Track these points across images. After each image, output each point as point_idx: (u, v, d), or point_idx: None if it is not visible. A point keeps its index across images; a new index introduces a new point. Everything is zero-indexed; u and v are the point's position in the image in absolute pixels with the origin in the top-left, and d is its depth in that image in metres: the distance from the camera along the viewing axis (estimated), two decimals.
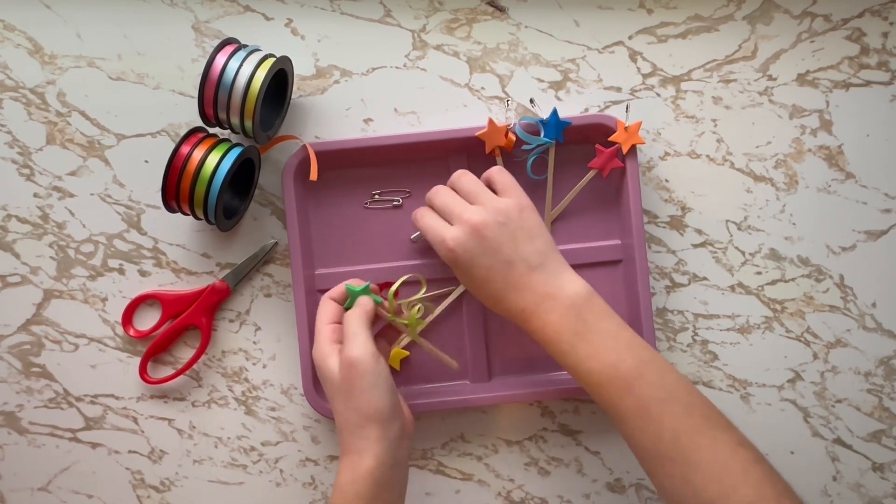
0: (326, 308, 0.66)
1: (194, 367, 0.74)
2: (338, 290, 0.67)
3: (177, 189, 0.67)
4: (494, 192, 0.66)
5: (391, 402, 0.61)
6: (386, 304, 0.68)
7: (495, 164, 0.72)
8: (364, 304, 0.65)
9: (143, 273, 0.74)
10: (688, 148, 0.74)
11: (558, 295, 0.62)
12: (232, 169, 0.67)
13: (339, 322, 0.65)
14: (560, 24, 0.74)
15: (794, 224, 0.74)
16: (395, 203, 0.74)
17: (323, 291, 0.73)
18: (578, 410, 0.75)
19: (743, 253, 0.74)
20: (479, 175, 0.67)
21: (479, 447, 0.75)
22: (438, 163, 0.73)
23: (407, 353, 0.73)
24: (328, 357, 0.63)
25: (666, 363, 0.61)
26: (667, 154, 0.74)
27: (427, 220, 0.66)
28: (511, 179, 0.66)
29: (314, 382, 0.71)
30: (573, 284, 0.62)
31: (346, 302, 0.66)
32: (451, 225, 0.64)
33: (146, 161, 0.74)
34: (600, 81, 0.74)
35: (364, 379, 0.60)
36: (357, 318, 0.63)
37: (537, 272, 0.62)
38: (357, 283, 0.67)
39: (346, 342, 0.62)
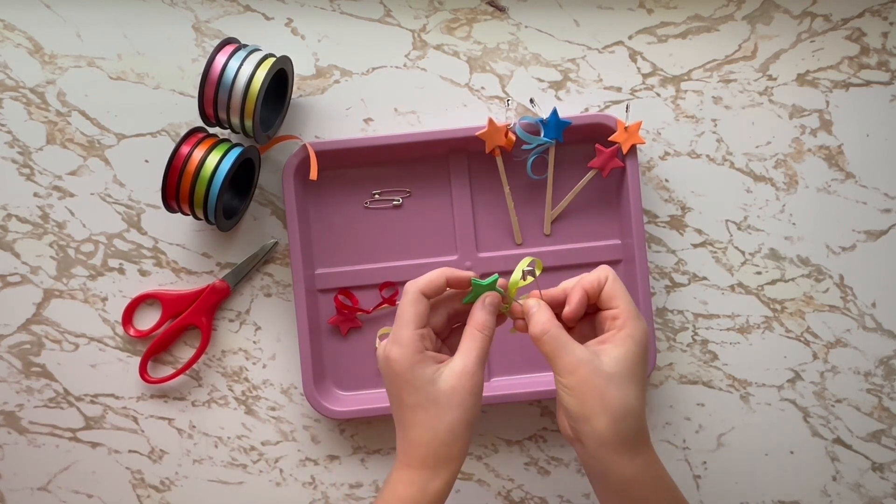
0: (417, 307, 0.55)
1: (194, 366, 0.74)
2: (430, 282, 0.56)
3: (177, 189, 0.67)
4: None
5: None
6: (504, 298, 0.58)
7: (495, 163, 0.72)
8: (489, 303, 0.57)
9: (143, 273, 0.74)
10: (688, 148, 0.74)
11: None
12: (232, 169, 0.67)
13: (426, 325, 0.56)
14: (560, 23, 0.74)
15: (794, 224, 0.74)
16: (395, 203, 0.74)
17: (323, 291, 0.73)
18: None
19: (743, 253, 0.74)
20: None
21: (478, 447, 0.75)
22: (438, 163, 0.73)
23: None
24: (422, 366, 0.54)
25: None
26: (667, 154, 0.74)
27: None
28: None
29: (314, 382, 0.71)
30: None
31: (468, 297, 0.57)
32: None
33: (146, 161, 0.74)
34: (600, 81, 0.74)
35: (470, 394, 0.54)
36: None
37: None
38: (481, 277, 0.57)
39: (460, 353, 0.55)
